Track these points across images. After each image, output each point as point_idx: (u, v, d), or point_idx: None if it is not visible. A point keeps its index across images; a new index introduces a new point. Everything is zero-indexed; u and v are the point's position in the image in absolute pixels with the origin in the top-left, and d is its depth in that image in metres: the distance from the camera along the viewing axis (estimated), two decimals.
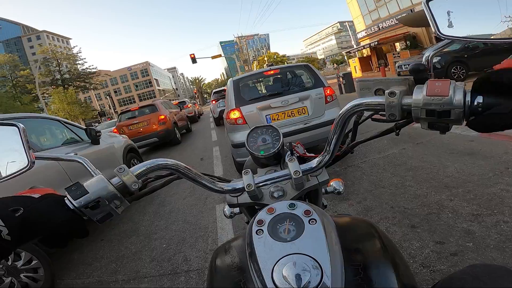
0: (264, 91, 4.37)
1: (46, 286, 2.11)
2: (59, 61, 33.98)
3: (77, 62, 36.29)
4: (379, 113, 0.52)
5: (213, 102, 11.16)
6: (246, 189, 0.53)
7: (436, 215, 1.97)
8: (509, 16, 0.38)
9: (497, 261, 1.46)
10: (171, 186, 4.05)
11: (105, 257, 2.49)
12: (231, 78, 3.97)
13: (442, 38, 0.42)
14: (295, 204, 0.45)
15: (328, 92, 3.42)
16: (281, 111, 3.32)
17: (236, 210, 0.84)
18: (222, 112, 8.33)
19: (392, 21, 21.17)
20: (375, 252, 0.45)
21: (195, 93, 62.53)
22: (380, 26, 22.74)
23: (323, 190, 0.79)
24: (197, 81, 77.32)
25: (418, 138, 3.69)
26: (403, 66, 9.42)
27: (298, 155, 0.62)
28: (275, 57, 50.78)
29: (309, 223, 0.42)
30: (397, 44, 21.44)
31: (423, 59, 0.50)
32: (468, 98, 0.38)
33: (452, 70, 8.20)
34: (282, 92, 3.48)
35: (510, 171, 2.33)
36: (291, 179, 0.53)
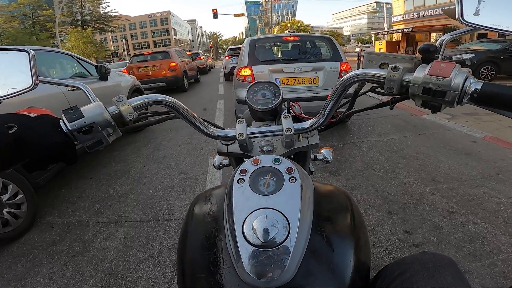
0: (279, 55, 4.29)
1: (26, 224, 1.99)
2: (83, 3, 33.19)
3: (100, 5, 35.43)
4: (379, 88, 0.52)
5: (227, 58, 11.31)
6: (238, 138, 0.53)
7: (415, 205, 2.02)
8: None
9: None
10: (169, 131, 4.14)
11: (90, 197, 2.47)
12: (248, 37, 3.89)
13: (464, 24, 0.41)
14: (280, 159, 0.46)
15: (344, 67, 3.37)
16: (292, 76, 3.31)
17: (225, 161, 0.83)
18: (233, 68, 8.45)
19: (436, 10, 20.13)
20: (343, 224, 0.46)
21: (210, 47, 60.67)
22: (421, 14, 21.78)
23: (312, 156, 0.80)
24: (214, 36, 74.40)
25: (422, 129, 3.66)
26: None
27: (294, 114, 0.63)
28: (299, 25, 48.13)
29: (289, 180, 0.42)
30: (433, 34, 20.58)
31: (437, 42, 0.48)
32: (468, 83, 0.38)
33: (482, 70, 7.80)
34: (297, 59, 3.46)
35: (500, 177, 2.34)
36: (283, 136, 0.53)
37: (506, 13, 0.39)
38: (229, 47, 12.37)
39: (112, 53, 32.47)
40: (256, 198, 0.40)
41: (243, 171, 0.45)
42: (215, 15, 22.06)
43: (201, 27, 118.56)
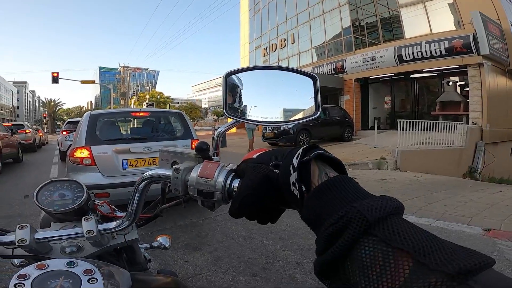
0: (128, 132, 4.06)
1: None
2: None
3: None
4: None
5: (64, 133, 9.59)
6: (17, 244, 0.48)
7: (271, 263, 2.26)
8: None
9: None
10: None
11: None
12: (89, 112, 3.52)
13: (227, 116, 0.45)
14: (75, 262, 0.42)
15: (194, 145, 3.49)
16: (142, 157, 3.11)
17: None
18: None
19: None
20: None
21: (44, 117, 49.99)
22: None
23: (147, 245, 0.81)
24: (51, 104, 61.81)
25: None
26: (267, 128, 10.90)
27: (101, 214, 0.61)
28: (158, 96, 48.82)
29: (89, 282, 0.39)
30: None
31: (215, 134, 0.49)
32: (228, 181, 0.40)
33: (300, 137, 10.19)
34: (147, 137, 3.34)
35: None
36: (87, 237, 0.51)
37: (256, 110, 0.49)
38: (68, 120, 10.75)
39: None
40: None
41: (22, 276, 0.39)
42: (56, 79, 18.75)
43: (33, 91, 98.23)
